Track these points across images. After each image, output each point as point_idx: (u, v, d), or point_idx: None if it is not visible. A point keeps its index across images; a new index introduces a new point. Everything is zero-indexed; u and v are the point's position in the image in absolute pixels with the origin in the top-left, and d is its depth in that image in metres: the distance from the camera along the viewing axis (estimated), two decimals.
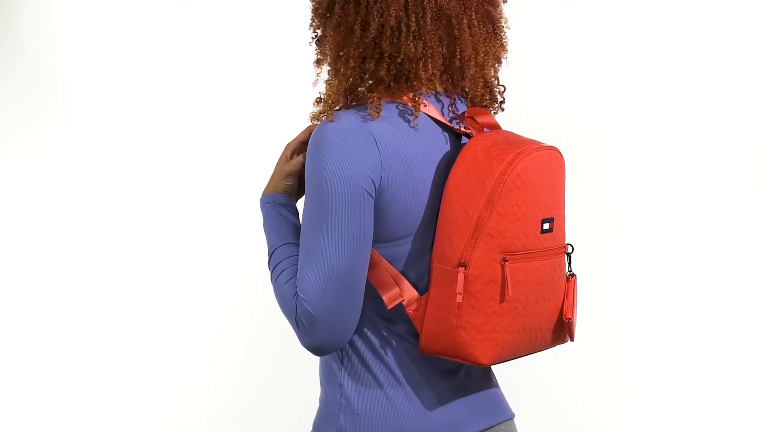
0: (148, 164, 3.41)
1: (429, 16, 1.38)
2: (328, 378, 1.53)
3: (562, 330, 1.46)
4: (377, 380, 1.47)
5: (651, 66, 3.14)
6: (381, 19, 1.38)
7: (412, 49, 1.38)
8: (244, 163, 3.29)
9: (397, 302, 1.43)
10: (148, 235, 3.40)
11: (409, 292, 1.42)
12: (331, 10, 1.43)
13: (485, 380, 1.54)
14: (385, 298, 1.42)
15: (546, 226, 1.39)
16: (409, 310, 1.42)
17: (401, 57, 1.38)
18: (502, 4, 1.51)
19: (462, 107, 1.48)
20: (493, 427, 1.51)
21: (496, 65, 1.49)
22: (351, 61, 1.40)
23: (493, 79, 1.48)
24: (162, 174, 3.40)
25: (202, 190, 3.37)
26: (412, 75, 1.40)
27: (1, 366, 3.46)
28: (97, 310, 3.41)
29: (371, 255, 1.42)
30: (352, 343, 1.49)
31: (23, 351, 3.45)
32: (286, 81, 3.07)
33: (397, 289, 1.42)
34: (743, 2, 3.11)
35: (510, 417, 1.56)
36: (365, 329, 1.48)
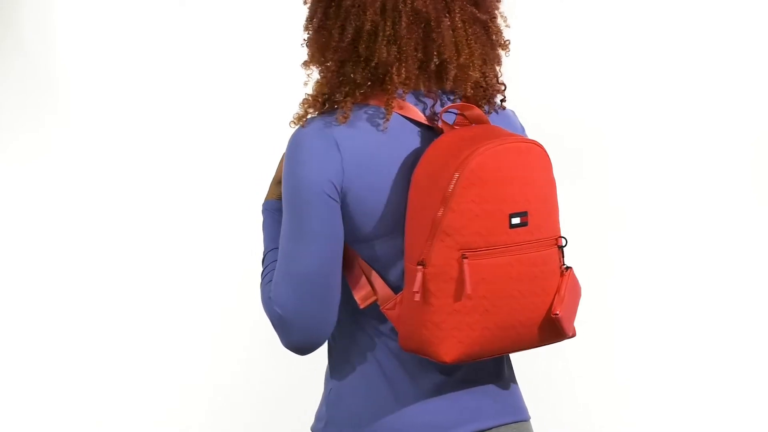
0: (148, 164, 3.41)
1: (405, 20, 1.40)
2: (326, 374, 1.60)
3: (554, 326, 1.43)
4: (362, 377, 1.51)
5: (649, 65, 3.14)
6: (358, 23, 1.41)
7: (385, 54, 1.40)
8: (244, 164, 3.30)
9: (369, 301, 1.47)
10: (148, 236, 3.40)
11: (383, 291, 1.45)
12: (315, 13, 1.46)
13: (495, 379, 1.53)
14: (357, 297, 1.47)
15: (516, 220, 1.36)
16: (384, 309, 1.45)
17: (375, 61, 1.41)
18: (496, 5, 1.51)
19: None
20: (491, 428, 1.50)
21: (489, 66, 1.48)
22: (330, 64, 1.44)
23: (482, 79, 1.47)
24: (162, 174, 3.40)
25: (202, 190, 3.38)
26: (386, 78, 1.42)
27: (1, 366, 3.47)
28: (97, 310, 3.41)
29: (349, 255, 1.47)
30: (339, 341, 1.54)
31: (23, 351, 3.45)
32: (286, 82, 3.07)
33: (369, 288, 1.46)
34: (741, 0, 3.12)
35: (518, 419, 1.54)
36: (352, 327, 1.51)
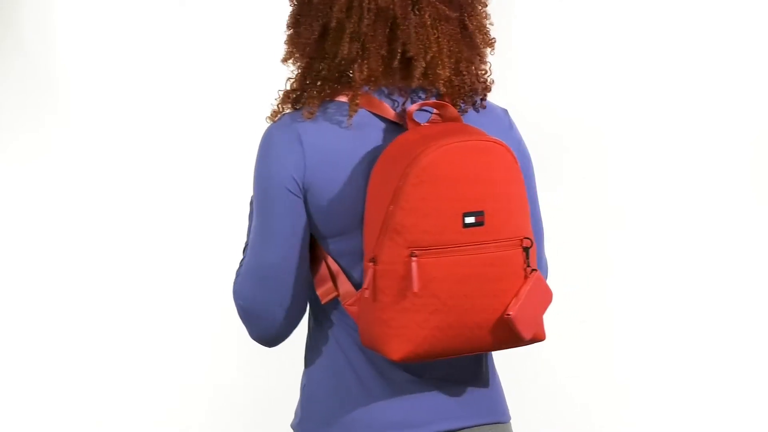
0: (148, 164, 3.41)
1: (368, 17, 1.41)
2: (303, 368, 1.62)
3: (510, 329, 1.39)
4: (332, 372, 1.52)
5: (649, 65, 3.14)
6: (325, 20, 1.43)
7: (346, 51, 1.42)
8: (245, 163, 3.29)
9: (330, 297, 1.48)
10: (148, 235, 3.40)
11: (345, 288, 1.46)
12: (292, 10, 1.50)
13: (472, 379, 1.51)
14: (318, 292, 1.49)
15: (470, 219, 1.34)
16: (345, 305, 1.46)
17: (339, 58, 1.43)
18: (477, 2, 1.49)
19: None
20: (462, 429, 1.49)
21: (465, 64, 1.47)
22: (300, 60, 1.47)
23: (455, 77, 1.46)
24: (162, 174, 3.40)
25: (202, 190, 3.38)
26: (350, 75, 1.44)
27: (1, 366, 3.47)
28: (97, 310, 3.41)
29: (316, 250, 1.49)
30: (313, 335, 1.56)
31: (23, 351, 3.45)
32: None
33: (331, 284, 1.48)
34: (741, 0, 3.12)
35: (493, 421, 1.52)
36: (326, 322, 1.53)
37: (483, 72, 1.51)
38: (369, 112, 1.45)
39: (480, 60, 1.50)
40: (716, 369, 3.12)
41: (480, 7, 1.50)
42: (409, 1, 1.42)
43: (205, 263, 3.35)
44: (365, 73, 1.42)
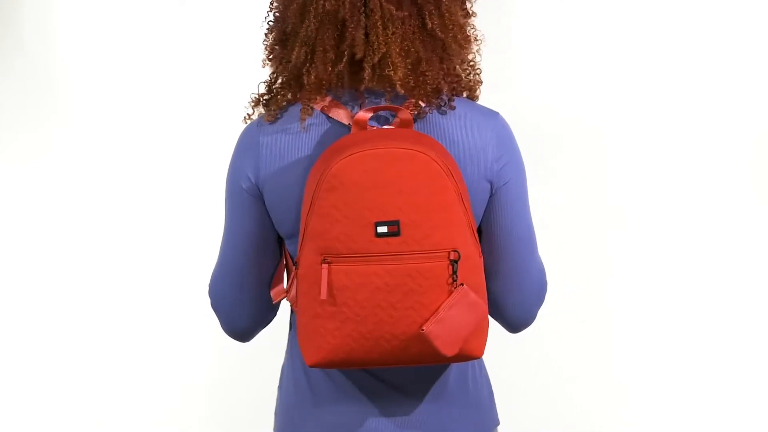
0: (149, 164, 3.41)
1: (314, 21, 1.41)
2: None
3: (429, 344, 1.33)
4: (292, 373, 1.55)
5: (648, 65, 3.14)
6: (284, 26, 1.46)
7: (294, 55, 1.43)
8: None
9: (280, 298, 1.51)
10: (149, 235, 3.40)
11: (293, 290, 1.46)
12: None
13: (435, 390, 1.49)
14: (272, 293, 1.52)
15: (382, 229, 1.31)
16: (293, 307, 1.49)
17: (291, 63, 1.44)
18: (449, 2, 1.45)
19: (398, 104, 1.45)
20: None
21: (428, 65, 1.43)
22: (270, 65, 1.50)
23: (411, 78, 1.42)
24: (162, 174, 3.40)
25: (202, 190, 3.37)
26: (301, 80, 1.45)
27: (1, 366, 3.47)
28: (97, 310, 3.41)
29: (282, 251, 1.52)
30: (289, 337, 1.59)
31: (23, 351, 3.45)
32: None
33: (282, 285, 1.51)
34: (741, 0, 3.12)
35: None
36: (293, 324, 1.57)
37: (452, 71, 1.46)
38: (326, 116, 1.45)
39: (447, 59, 1.46)
40: (716, 369, 3.12)
41: (446, 6, 1.45)
42: (359, 4, 1.41)
43: (206, 264, 3.35)
44: (313, 76, 1.43)
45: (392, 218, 1.31)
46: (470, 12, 1.52)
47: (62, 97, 3.47)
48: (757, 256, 3.12)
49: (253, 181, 1.46)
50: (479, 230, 1.50)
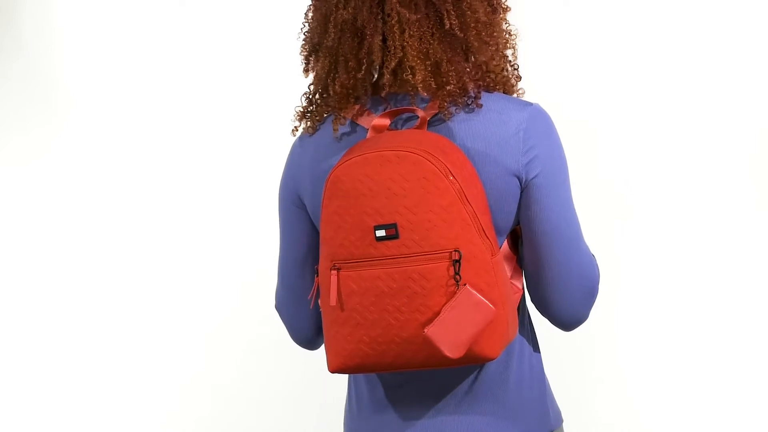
0: (149, 165, 3.40)
1: (334, 31, 1.43)
2: None
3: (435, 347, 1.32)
4: (350, 376, 1.58)
5: (648, 63, 3.13)
6: (311, 37, 1.49)
7: (320, 67, 1.47)
8: (244, 165, 3.29)
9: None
10: (149, 236, 3.40)
11: None
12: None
13: (461, 398, 1.47)
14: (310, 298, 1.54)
15: (381, 233, 1.31)
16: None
17: (318, 75, 1.48)
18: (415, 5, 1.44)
19: (421, 106, 1.45)
20: None
21: (450, 66, 1.41)
22: (308, 75, 1.53)
23: (432, 79, 1.41)
24: (163, 174, 3.40)
25: (202, 191, 3.37)
26: (329, 90, 1.47)
27: (0, 366, 3.46)
28: (96, 311, 3.41)
29: None
30: None
31: (23, 351, 3.45)
32: (287, 82, 3.07)
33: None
34: (741, 0, 3.11)
35: None
36: None
37: (479, 68, 1.46)
38: (356, 124, 1.46)
39: (472, 57, 1.45)
40: (716, 368, 3.12)
41: (468, 3, 1.43)
42: (377, 10, 1.41)
43: (206, 264, 3.35)
44: (338, 86, 1.44)
45: (390, 221, 1.31)
46: (500, 8, 1.51)
47: (62, 98, 3.47)
48: (757, 255, 3.12)
49: (297, 193, 1.51)
50: (514, 230, 1.48)
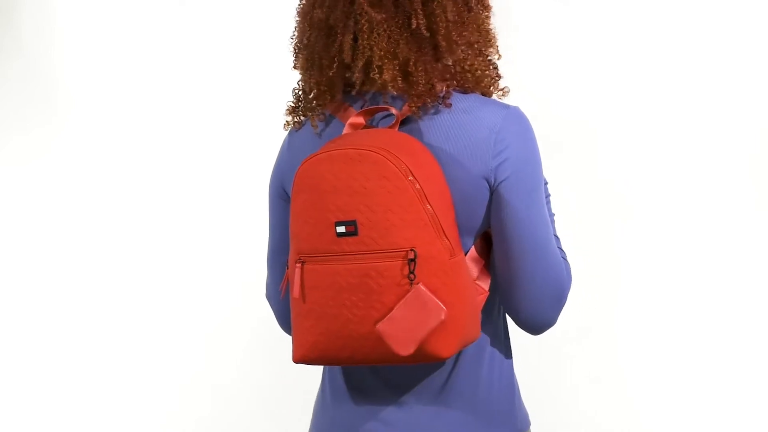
0: (149, 165, 3.41)
1: (309, 30, 1.49)
2: None
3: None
4: (323, 367, 1.60)
5: (648, 64, 3.13)
6: (296, 37, 1.54)
7: (299, 64, 1.52)
8: (244, 164, 3.29)
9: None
10: (149, 236, 3.40)
11: None
12: None
13: (434, 391, 1.49)
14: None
15: (341, 229, 1.34)
16: None
17: (299, 71, 1.53)
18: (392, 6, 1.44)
19: (397, 105, 1.46)
20: None
21: (412, 65, 1.42)
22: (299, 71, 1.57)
23: (401, 79, 1.42)
24: (163, 174, 3.40)
25: (202, 191, 3.37)
26: (307, 87, 1.52)
27: (0, 366, 3.47)
28: (97, 311, 3.41)
29: None
30: None
31: (23, 351, 3.45)
32: (286, 82, 3.07)
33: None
34: (741, 0, 3.11)
35: None
36: None
37: (450, 69, 1.46)
38: (337, 120, 1.50)
39: (442, 58, 1.45)
40: (716, 368, 3.12)
41: (438, 3, 1.43)
42: (349, 11, 1.44)
43: (205, 264, 3.35)
44: (313, 83, 1.49)
45: (350, 218, 1.34)
46: (479, 7, 1.49)
47: (62, 98, 3.47)
48: (758, 255, 3.12)
49: (282, 186, 1.55)
50: (486, 234, 1.48)
